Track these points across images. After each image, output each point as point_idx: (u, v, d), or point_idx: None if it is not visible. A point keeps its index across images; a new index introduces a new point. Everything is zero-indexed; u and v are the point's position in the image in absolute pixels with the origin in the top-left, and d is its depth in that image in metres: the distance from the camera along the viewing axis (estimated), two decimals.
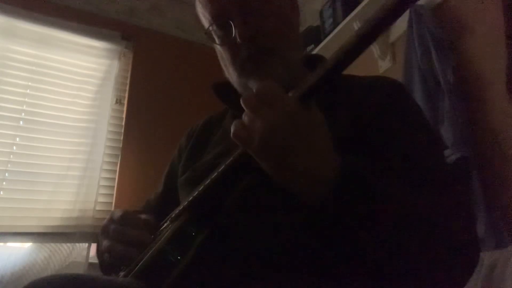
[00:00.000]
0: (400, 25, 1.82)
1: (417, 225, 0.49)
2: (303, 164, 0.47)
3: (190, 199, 0.57)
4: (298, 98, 0.48)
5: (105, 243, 0.62)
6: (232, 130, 0.48)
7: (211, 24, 0.72)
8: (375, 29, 0.45)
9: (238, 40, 0.67)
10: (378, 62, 1.98)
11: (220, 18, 0.70)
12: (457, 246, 0.51)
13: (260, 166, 0.49)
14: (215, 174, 0.55)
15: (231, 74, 0.74)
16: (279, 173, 0.48)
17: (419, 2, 1.70)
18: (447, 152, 1.37)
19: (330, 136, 0.49)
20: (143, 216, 0.64)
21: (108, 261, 0.61)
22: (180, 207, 0.59)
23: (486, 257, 1.14)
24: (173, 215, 0.59)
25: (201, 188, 0.56)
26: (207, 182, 0.55)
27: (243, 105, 0.49)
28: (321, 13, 2.18)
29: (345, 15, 1.96)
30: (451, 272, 0.50)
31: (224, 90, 0.79)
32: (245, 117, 0.48)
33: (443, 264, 0.49)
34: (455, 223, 0.52)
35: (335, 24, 2.04)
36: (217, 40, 0.73)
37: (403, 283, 0.50)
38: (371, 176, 0.49)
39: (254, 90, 0.48)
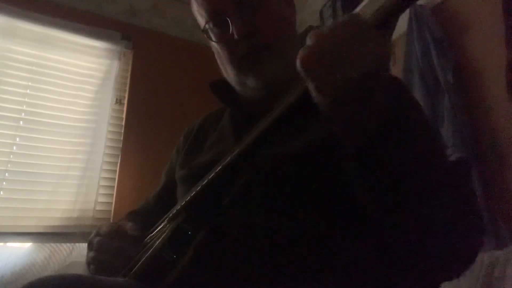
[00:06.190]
0: (400, 25, 1.82)
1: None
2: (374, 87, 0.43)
3: (187, 199, 0.57)
4: (375, 25, 0.43)
5: (90, 254, 0.64)
6: (300, 55, 0.43)
7: (207, 22, 0.72)
8: None
9: (236, 36, 0.67)
10: None
11: (217, 15, 0.70)
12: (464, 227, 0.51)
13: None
14: (212, 174, 0.55)
15: (228, 71, 0.74)
16: (343, 92, 0.42)
17: (419, 2, 1.70)
18: (447, 152, 1.37)
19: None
20: (128, 227, 0.65)
21: (93, 273, 0.63)
22: (178, 207, 0.59)
23: (486, 257, 1.14)
24: (170, 214, 0.59)
25: (199, 188, 0.56)
26: (205, 181, 0.55)
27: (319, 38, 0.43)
28: (321, 13, 2.18)
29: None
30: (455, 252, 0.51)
31: (222, 88, 0.78)
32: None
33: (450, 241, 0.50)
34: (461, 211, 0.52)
35: None
36: (213, 38, 0.73)
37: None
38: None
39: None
